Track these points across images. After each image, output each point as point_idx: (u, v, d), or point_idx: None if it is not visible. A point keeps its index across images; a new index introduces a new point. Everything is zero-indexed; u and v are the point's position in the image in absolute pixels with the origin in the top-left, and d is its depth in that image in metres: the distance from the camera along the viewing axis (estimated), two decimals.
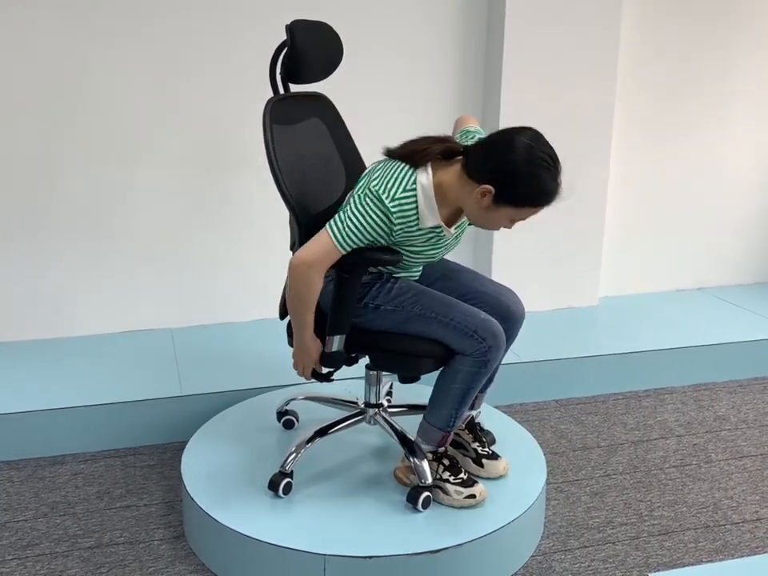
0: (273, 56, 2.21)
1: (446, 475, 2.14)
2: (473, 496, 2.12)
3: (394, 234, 1.94)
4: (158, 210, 3.20)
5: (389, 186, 1.91)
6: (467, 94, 3.41)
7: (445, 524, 2.06)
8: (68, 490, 2.45)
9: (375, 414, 2.32)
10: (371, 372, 2.29)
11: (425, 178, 1.93)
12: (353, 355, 2.15)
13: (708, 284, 3.94)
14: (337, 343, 2.05)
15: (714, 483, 2.53)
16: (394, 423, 2.27)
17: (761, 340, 3.29)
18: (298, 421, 2.50)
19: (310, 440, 2.22)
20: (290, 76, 2.19)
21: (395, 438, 2.23)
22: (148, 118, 3.11)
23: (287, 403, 2.50)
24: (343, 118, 2.39)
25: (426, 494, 2.11)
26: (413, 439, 2.19)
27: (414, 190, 1.92)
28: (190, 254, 3.27)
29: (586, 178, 3.46)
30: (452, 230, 2.02)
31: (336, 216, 1.93)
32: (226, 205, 3.27)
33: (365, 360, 2.28)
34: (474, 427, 2.31)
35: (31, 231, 3.10)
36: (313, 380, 2.13)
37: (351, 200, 1.94)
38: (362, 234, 1.90)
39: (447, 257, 2.23)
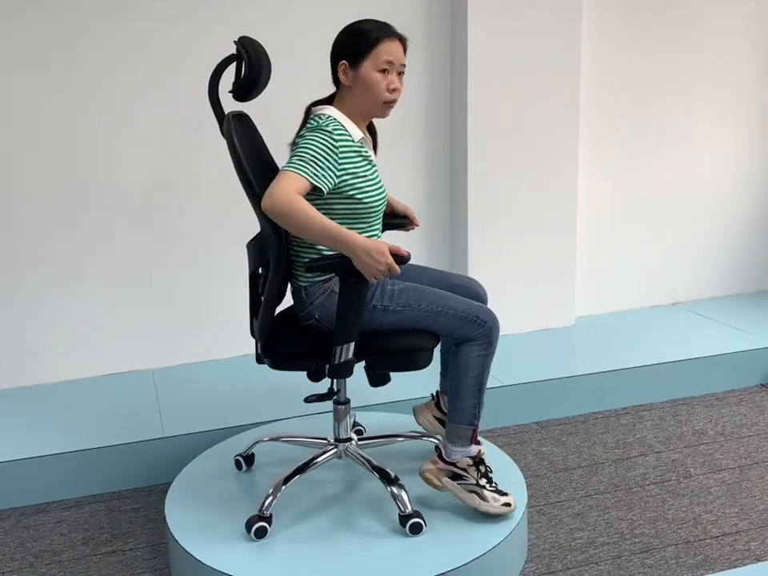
0: (216, 72, 2.20)
1: (483, 482, 2.19)
2: (508, 504, 2.19)
3: (338, 155, 2.05)
4: (132, 252, 3.23)
5: (315, 125, 2.09)
6: (436, 97, 3.48)
7: (427, 554, 2.08)
8: (53, 538, 2.45)
9: (346, 448, 2.34)
10: (339, 406, 2.32)
11: (329, 110, 2.14)
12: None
13: (682, 299, 4.00)
14: (346, 352, 2.08)
15: (693, 498, 2.57)
16: (365, 455, 2.30)
17: (734, 352, 3.35)
18: (250, 465, 2.51)
19: (286, 481, 2.22)
20: (245, 92, 2.18)
21: (369, 469, 2.26)
22: (114, 160, 3.16)
23: (252, 446, 2.51)
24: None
25: (414, 520, 2.13)
26: (387, 469, 2.22)
27: (330, 117, 2.12)
28: (167, 293, 3.30)
29: (556, 205, 3.53)
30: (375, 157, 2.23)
31: (289, 160, 2.03)
32: (202, 241, 3.30)
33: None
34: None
35: (4, 278, 3.12)
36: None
37: (295, 149, 2.06)
38: (315, 158, 2.01)
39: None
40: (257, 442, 2.51)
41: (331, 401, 2.27)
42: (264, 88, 2.25)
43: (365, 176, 2.13)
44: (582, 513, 2.50)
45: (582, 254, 3.72)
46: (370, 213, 2.16)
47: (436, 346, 2.19)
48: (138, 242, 3.24)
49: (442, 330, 2.16)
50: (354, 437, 2.38)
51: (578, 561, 2.27)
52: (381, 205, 2.19)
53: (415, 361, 2.16)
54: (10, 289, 3.13)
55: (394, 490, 2.16)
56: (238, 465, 2.50)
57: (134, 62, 3.10)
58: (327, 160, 2.03)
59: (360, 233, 2.11)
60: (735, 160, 3.93)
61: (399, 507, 2.15)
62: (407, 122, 3.43)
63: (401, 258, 1.97)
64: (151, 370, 3.32)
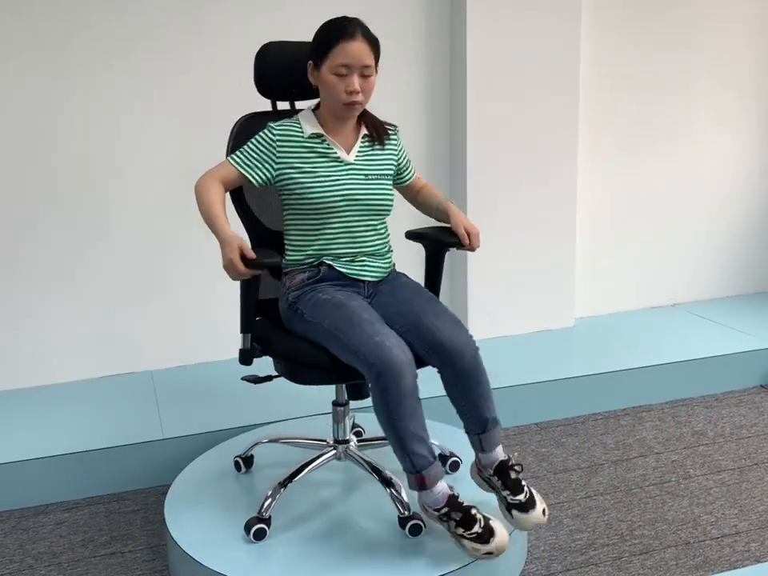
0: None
1: (460, 531, 1.98)
2: (490, 553, 1.96)
3: (276, 149, 2.12)
4: (131, 253, 3.23)
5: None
6: (436, 97, 3.48)
7: (425, 556, 2.08)
8: (52, 540, 2.45)
9: (345, 449, 2.34)
10: (338, 408, 2.32)
11: (304, 110, 2.22)
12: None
13: (681, 299, 4.00)
14: (245, 341, 2.16)
15: (693, 499, 2.56)
16: (364, 457, 2.30)
17: (734, 353, 3.34)
18: (249, 466, 2.51)
19: (285, 483, 2.22)
20: (262, 91, 2.32)
21: (368, 470, 2.26)
22: (115, 164, 3.15)
23: (251, 448, 2.51)
24: None
25: (413, 522, 2.12)
26: (385, 471, 2.21)
27: (295, 116, 2.22)
28: (166, 294, 3.30)
29: (556, 205, 3.53)
30: (351, 156, 2.18)
31: None
32: (202, 242, 3.28)
33: (331, 397, 2.32)
34: (502, 472, 2.12)
35: (4, 279, 3.11)
36: (244, 271, 1.99)
37: None
38: (249, 150, 2.14)
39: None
40: (256, 444, 2.51)
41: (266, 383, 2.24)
42: (295, 86, 2.31)
43: (312, 172, 2.13)
44: (581, 514, 2.50)
45: (582, 254, 3.71)
46: (317, 210, 2.13)
47: (333, 368, 2.04)
48: (138, 243, 3.23)
49: (340, 357, 2.01)
50: (353, 438, 2.38)
51: (577, 562, 2.27)
52: (331, 203, 2.12)
53: (310, 375, 2.12)
54: (10, 290, 3.12)
55: (394, 491, 2.16)
56: (237, 466, 2.50)
57: (134, 63, 3.09)
58: (263, 152, 2.13)
59: (316, 230, 2.16)
60: (735, 160, 3.93)
61: (399, 509, 2.15)
62: (407, 122, 3.42)
63: (251, 260, 1.97)
64: (150, 371, 3.32)
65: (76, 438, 2.76)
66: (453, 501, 2.00)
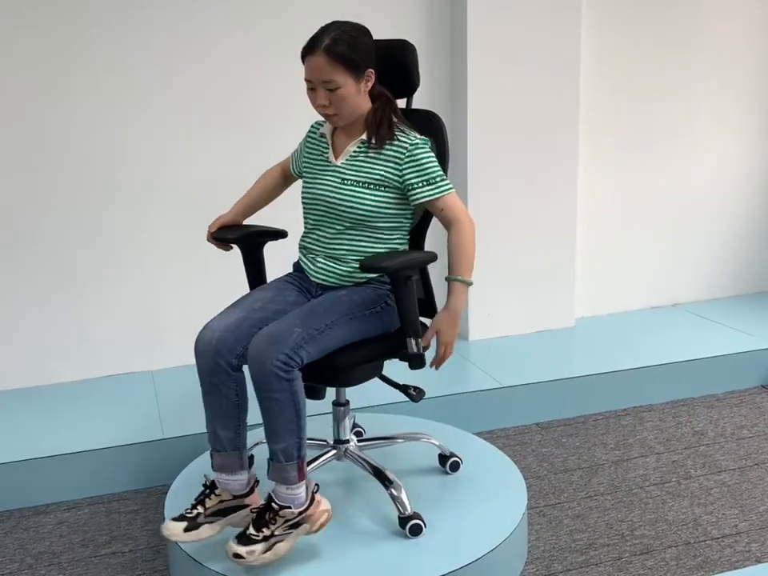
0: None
1: (191, 505, 2.10)
2: (162, 532, 2.05)
3: (304, 146, 2.31)
4: (131, 253, 3.23)
5: None
6: (436, 97, 3.45)
7: (424, 556, 2.08)
8: (53, 540, 2.45)
9: (345, 450, 2.34)
10: (338, 408, 2.32)
11: None
12: None
13: (682, 300, 3.99)
14: None
15: (693, 499, 2.56)
16: (364, 457, 2.30)
17: (735, 353, 3.34)
18: (249, 466, 2.49)
19: None
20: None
21: (368, 470, 2.26)
22: (116, 165, 3.15)
23: (252, 448, 2.50)
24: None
25: (413, 522, 2.12)
26: (385, 471, 2.21)
27: None
28: (166, 293, 3.29)
29: (556, 205, 3.52)
30: (338, 161, 2.18)
31: None
32: (198, 248, 3.28)
33: (331, 397, 2.32)
34: (267, 503, 2.03)
35: (4, 279, 3.11)
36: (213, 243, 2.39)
37: None
38: (298, 146, 2.36)
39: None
40: (257, 444, 2.50)
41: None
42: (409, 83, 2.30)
43: (310, 170, 2.25)
44: (582, 514, 2.50)
45: (582, 254, 3.71)
46: (304, 206, 2.24)
47: None
48: (138, 242, 3.23)
49: None
50: (354, 438, 2.37)
51: (578, 562, 2.27)
52: (305, 200, 2.22)
53: None
54: (10, 290, 3.12)
55: (394, 491, 2.16)
56: None
57: (135, 63, 3.09)
58: (300, 147, 2.34)
59: (304, 223, 2.26)
60: (735, 160, 3.93)
61: (399, 509, 2.15)
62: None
63: (210, 232, 2.37)
64: (151, 371, 3.32)
65: (76, 437, 2.76)
66: (210, 487, 2.12)
